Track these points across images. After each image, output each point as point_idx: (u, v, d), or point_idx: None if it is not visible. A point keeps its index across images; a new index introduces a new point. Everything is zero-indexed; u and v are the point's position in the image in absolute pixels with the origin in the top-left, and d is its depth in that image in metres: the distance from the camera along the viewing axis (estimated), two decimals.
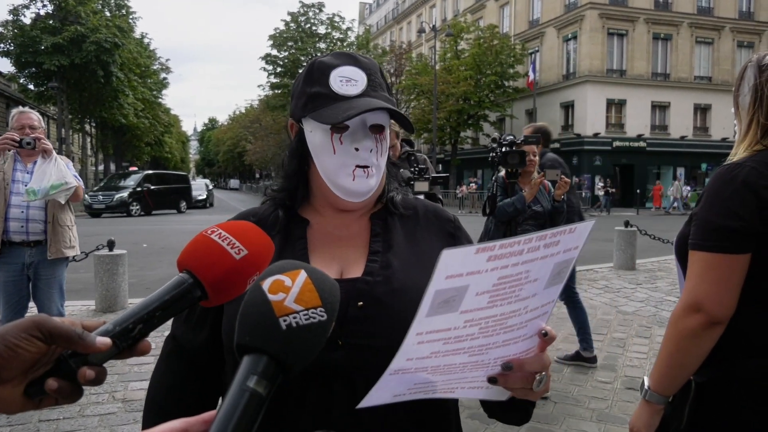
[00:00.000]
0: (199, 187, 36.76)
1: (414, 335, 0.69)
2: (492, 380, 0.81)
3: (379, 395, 0.76)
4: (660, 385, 1.44)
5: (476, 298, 0.68)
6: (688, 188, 31.76)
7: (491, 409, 1.01)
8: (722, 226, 1.32)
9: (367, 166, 1.05)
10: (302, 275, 0.63)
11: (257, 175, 70.86)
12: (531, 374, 0.81)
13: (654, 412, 1.46)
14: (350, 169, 1.04)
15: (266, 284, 0.62)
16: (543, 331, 0.80)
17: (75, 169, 4.37)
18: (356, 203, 1.08)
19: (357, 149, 1.04)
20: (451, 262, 0.63)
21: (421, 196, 3.47)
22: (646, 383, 1.47)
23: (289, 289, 0.61)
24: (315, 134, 1.05)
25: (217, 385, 1.10)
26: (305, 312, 0.60)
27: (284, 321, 0.59)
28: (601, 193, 31.06)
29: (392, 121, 1.12)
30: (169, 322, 1.11)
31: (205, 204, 35.43)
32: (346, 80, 1.05)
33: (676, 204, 30.38)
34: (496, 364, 0.79)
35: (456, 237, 1.17)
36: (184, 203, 29.83)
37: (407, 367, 0.73)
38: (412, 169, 4.00)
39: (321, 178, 1.07)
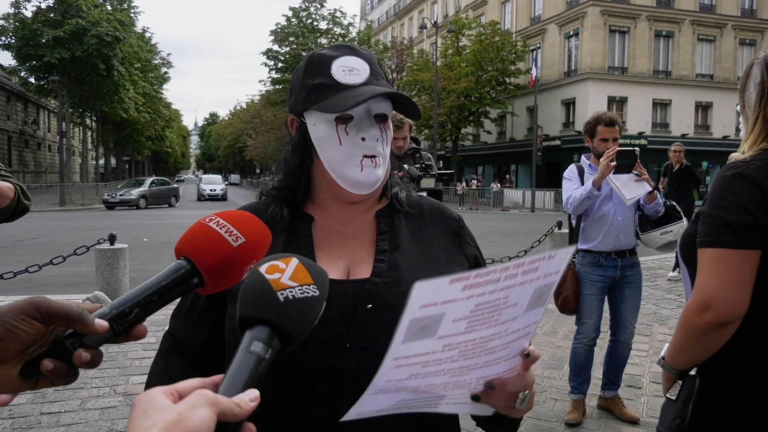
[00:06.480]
0: (215, 181, 41.35)
1: (391, 360, 0.69)
2: (475, 398, 0.81)
3: (362, 411, 0.75)
4: (671, 361, 1.50)
5: (453, 324, 0.68)
6: None
7: (478, 419, 1.00)
8: (732, 221, 1.32)
9: (374, 156, 1.03)
10: (294, 260, 0.70)
11: (257, 170, 70.87)
12: (514, 393, 0.82)
13: (668, 377, 1.53)
14: (358, 159, 1.02)
15: (263, 268, 0.69)
16: (525, 352, 0.80)
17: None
18: (363, 195, 1.06)
19: (363, 139, 1.02)
20: (424, 293, 0.63)
21: (424, 193, 3.47)
22: (663, 351, 1.53)
23: (283, 271, 0.68)
24: (319, 127, 1.03)
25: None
26: (300, 287, 0.67)
27: (282, 294, 0.65)
28: None
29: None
30: (167, 319, 1.11)
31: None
32: (349, 70, 1.03)
33: None
34: (479, 383, 0.80)
35: (461, 236, 1.16)
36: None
37: (387, 387, 0.73)
38: (418, 166, 4.00)
39: (325, 172, 1.05)
